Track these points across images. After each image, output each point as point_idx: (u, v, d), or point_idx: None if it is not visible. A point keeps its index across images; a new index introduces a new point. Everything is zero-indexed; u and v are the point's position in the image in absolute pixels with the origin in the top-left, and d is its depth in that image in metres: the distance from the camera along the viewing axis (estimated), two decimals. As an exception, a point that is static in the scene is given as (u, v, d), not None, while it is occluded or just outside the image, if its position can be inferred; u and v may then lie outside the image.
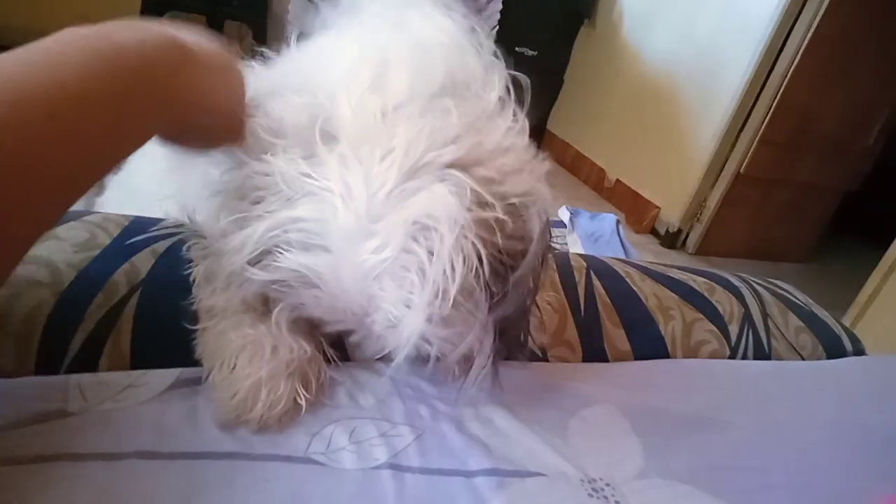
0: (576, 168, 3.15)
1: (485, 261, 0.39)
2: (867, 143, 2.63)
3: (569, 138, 3.24)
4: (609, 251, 1.52)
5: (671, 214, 2.59)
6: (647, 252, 2.45)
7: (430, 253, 0.37)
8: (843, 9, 2.20)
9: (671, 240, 2.57)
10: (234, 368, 0.42)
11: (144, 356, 0.46)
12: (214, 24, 2.74)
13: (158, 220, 0.56)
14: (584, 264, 0.68)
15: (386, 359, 0.42)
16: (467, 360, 0.43)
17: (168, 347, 0.46)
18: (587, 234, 1.54)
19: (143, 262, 0.50)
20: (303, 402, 0.43)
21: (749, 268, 2.56)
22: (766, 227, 2.68)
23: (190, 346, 0.45)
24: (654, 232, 2.64)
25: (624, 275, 0.69)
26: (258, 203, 0.40)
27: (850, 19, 2.24)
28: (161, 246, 0.51)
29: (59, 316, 0.44)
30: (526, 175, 0.42)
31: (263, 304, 0.44)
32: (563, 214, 1.62)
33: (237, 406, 0.41)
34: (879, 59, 2.40)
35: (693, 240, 2.58)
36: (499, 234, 0.40)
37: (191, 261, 0.48)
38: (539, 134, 3.33)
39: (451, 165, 0.39)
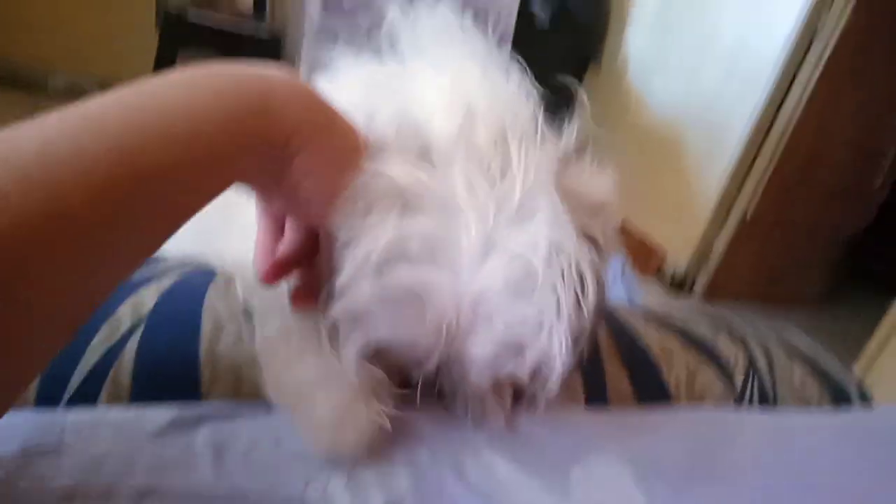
0: (582, 209, 3.17)
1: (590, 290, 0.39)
2: (873, 186, 2.64)
3: (575, 180, 3.27)
4: (615, 292, 1.52)
5: (678, 258, 2.59)
6: (654, 296, 2.44)
7: (561, 275, 0.37)
8: (846, 55, 2.24)
9: (678, 284, 2.56)
10: (312, 401, 0.41)
11: (145, 391, 0.46)
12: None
13: (162, 258, 0.57)
14: (588, 307, 0.68)
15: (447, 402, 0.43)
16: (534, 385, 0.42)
17: (170, 383, 0.46)
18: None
19: (148, 296, 0.50)
20: (387, 424, 0.41)
21: (759, 312, 2.55)
22: (773, 271, 2.67)
23: (191, 381, 0.45)
24: (660, 276, 2.64)
25: (627, 318, 0.69)
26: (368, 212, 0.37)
27: (853, 65, 2.28)
28: (166, 282, 0.52)
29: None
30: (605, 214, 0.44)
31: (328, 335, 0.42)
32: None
33: (329, 437, 0.40)
34: (882, 104, 2.43)
35: (700, 284, 2.57)
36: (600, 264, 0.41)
37: (196, 295, 0.48)
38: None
39: (562, 191, 0.39)
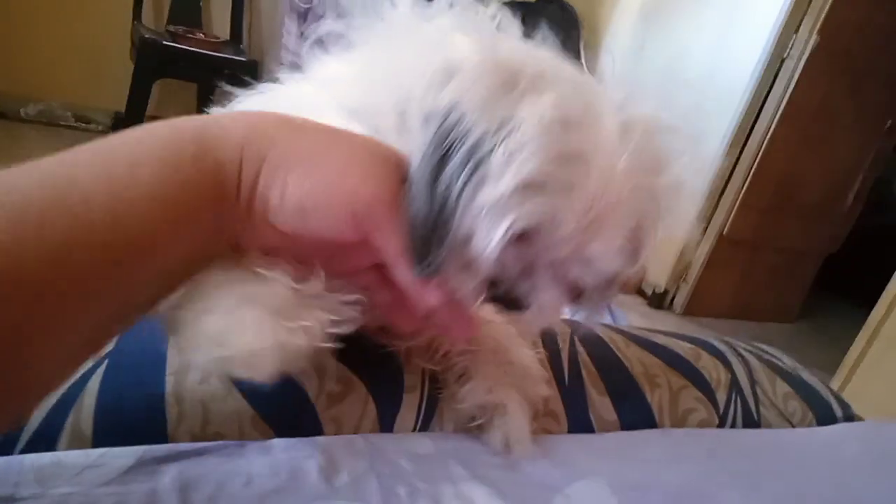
0: (561, 230, 3.19)
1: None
2: (844, 206, 2.70)
3: (554, 201, 3.29)
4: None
5: (657, 275, 2.61)
6: (635, 313, 2.45)
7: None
8: (813, 80, 2.31)
9: (658, 300, 2.58)
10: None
11: (108, 432, 0.43)
12: (205, 91, 2.80)
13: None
14: (568, 330, 0.67)
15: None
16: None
17: (134, 423, 0.44)
18: (573, 296, 1.54)
19: (112, 332, 0.48)
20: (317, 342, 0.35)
21: (736, 328, 2.57)
22: (751, 288, 2.71)
23: (157, 420, 0.43)
24: (640, 292, 2.65)
25: (609, 341, 0.68)
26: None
27: (820, 89, 2.35)
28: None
29: (18, 390, 0.42)
30: None
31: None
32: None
33: (214, 337, 0.33)
34: (851, 126, 2.50)
35: (680, 300, 2.59)
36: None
37: (161, 329, 0.46)
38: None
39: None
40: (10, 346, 0.24)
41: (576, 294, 0.42)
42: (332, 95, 0.44)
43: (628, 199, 0.37)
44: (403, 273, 0.37)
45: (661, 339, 0.72)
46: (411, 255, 0.37)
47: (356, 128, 0.39)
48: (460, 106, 0.35)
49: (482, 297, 0.39)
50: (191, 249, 0.32)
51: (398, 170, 0.36)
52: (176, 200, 0.29)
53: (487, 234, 0.36)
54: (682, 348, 0.71)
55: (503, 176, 0.35)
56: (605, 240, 0.38)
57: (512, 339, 0.52)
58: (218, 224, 0.32)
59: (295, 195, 0.33)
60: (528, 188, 0.35)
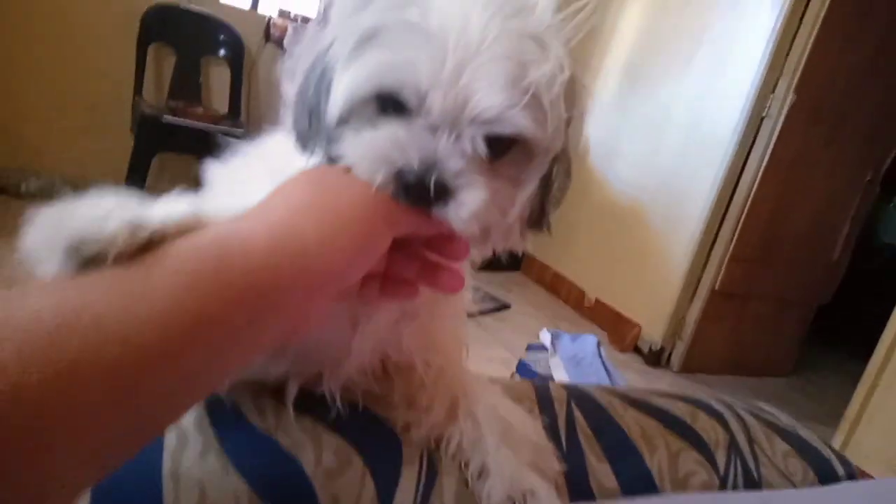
0: (556, 288, 3.20)
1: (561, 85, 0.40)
2: (833, 256, 2.74)
3: (548, 260, 3.32)
4: (592, 373, 1.51)
5: (653, 332, 2.60)
6: (632, 371, 2.44)
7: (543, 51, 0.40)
8: (792, 135, 2.40)
9: (654, 358, 2.57)
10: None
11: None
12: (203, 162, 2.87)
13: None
14: (565, 394, 0.67)
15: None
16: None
17: (129, 502, 0.43)
18: (569, 356, 1.54)
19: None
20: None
21: (733, 384, 2.56)
22: (745, 342, 2.70)
23: (153, 499, 0.43)
24: (637, 350, 2.64)
25: (606, 404, 0.68)
26: None
27: (800, 143, 2.43)
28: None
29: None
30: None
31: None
32: (545, 337, 1.63)
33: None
34: (832, 177, 2.58)
35: (676, 357, 2.58)
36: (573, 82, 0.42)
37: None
38: (517, 256, 3.42)
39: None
40: (11, 462, 0.25)
41: (489, 168, 0.41)
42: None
43: (495, 41, 0.38)
44: (432, 226, 0.40)
45: (658, 401, 0.72)
46: (301, 148, 0.43)
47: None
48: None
49: (392, 188, 0.39)
50: (218, 354, 0.32)
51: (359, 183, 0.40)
52: (195, 313, 0.30)
53: (337, 90, 0.40)
54: (679, 409, 0.71)
55: (344, 40, 0.39)
56: (486, 86, 0.38)
57: (514, 413, 0.53)
58: (258, 323, 0.33)
59: (342, 256, 0.36)
60: (369, 39, 0.39)
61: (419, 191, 0.38)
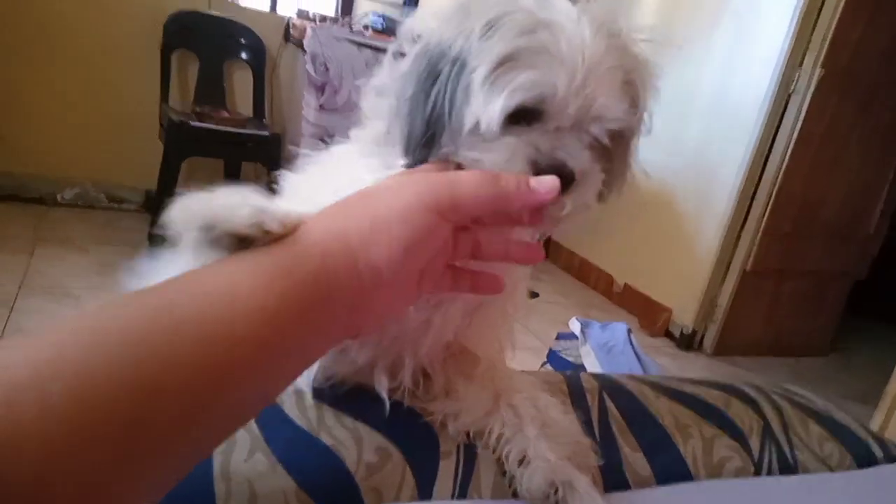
0: (584, 275, 3.19)
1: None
2: (869, 228, 2.67)
3: (574, 247, 3.31)
4: (623, 361, 1.51)
5: (684, 315, 2.58)
6: (665, 356, 2.42)
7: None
8: (822, 108, 2.34)
9: (687, 341, 2.54)
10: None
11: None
12: (232, 166, 2.92)
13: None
14: (597, 385, 0.68)
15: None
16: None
17: (182, 501, 0.46)
18: (600, 344, 1.54)
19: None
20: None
21: (770, 365, 2.52)
22: (781, 321, 2.66)
23: (205, 498, 0.45)
24: (668, 334, 2.62)
25: (638, 393, 0.69)
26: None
27: (830, 115, 2.37)
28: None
29: None
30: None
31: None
32: (574, 326, 1.63)
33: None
34: (868, 148, 2.51)
35: (709, 340, 2.55)
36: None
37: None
38: (545, 244, 3.41)
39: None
40: (100, 480, 0.26)
41: (604, 154, 0.51)
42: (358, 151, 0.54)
43: (606, 55, 0.47)
44: (505, 184, 0.43)
45: (690, 388, 0.73)
46: (411, 158, 0.48)
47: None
48: (436, 37, 0.48)
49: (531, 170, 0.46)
50: (300, 346, 0.36)
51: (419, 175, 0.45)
52: (277, 310, 0.33)
53: (487, 109, 0.45)
54: (712, 396, 0.72)
55: (482, 62, 0.45)
56: (605, 91, 0.47)
57: (550, 406, 0.54)
58: (326, 319, 0.37)
59: (386, 251, 0.38)
60: (507, 62, 0.45)
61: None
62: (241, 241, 0.36)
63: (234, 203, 0.36)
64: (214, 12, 2.82)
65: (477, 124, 0.46)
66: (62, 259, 2.23)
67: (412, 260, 0.40)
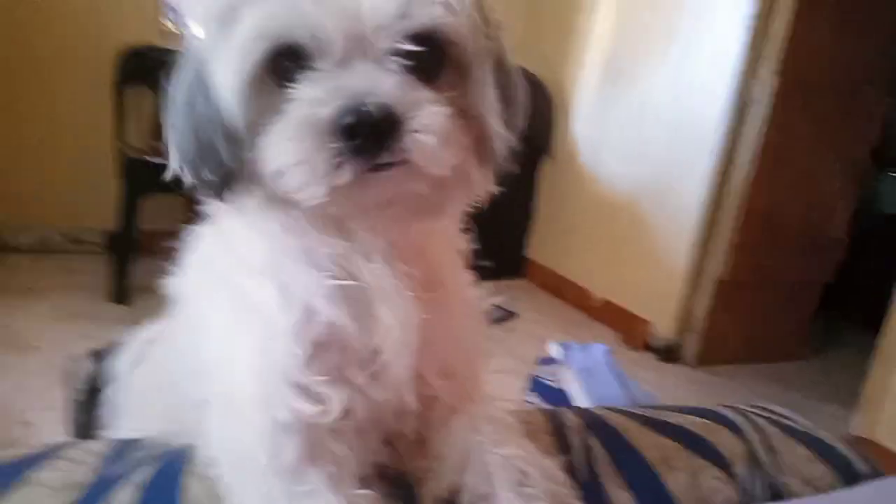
0: (560, 291, 3.19)
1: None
2: (837, 234, 2.73)
3: (549, 263, 3.31)
4: (604, 383, 1.51)
5: (663, 327, 2.59)
6: (647, 369, 2.42)
7: None
8: (781, 117, 2.39)
9: (668, 354, 2.55)
10: None
11: None
12: (193, 200, 2.85)
13: (139, 441, 0.54)
14: (580, 422, 0.67)
15: None
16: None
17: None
18: (581, 367, 1.53)
19: (124, 497, 0.48)
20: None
21: (752, 373, 2.54)
22: (757, 328, 2.69)
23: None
24: (650, 347, 2.63)
25: (622, 429, 0.67)
26: None
27: (792, 123, 2.42)
28: (140, 476, 0.50)
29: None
30: None
31: None
32: (554, 350, 1.62)
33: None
34: (828, 153, 2.56)
35: (690, 351, 2.57)
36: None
37: (173, 488, 0.46)
38: (519, 262, 3.42)
39: None
40: None
41: (442, 86, 0.40)
42: None
43: None
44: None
45: (672, 418, 0.71)
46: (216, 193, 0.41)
47: None
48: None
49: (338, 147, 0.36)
50: None
51: None
52: None
53: (230, 72, 0.38)
54: (695, 425, 0.71)
55: (204, 30, 0.39)
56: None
57: (530, 459, 0.51)
58: None
59: None
60: (231, 12, 0.37)
61: (369, 133, 0.35)
62: None
63: None
64: (167, 45, 2.77)
65: (235, 113, 0.38)
66: (23, 309, 2.15)
67: None
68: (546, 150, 3.31)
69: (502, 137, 0.44)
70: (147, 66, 2.70)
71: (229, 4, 0.37)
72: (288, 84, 0.37)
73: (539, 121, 3.18)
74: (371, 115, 0.35)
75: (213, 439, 0.47)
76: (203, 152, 0.41)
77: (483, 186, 0.46)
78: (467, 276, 0.55)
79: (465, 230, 0.54)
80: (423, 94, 0.37)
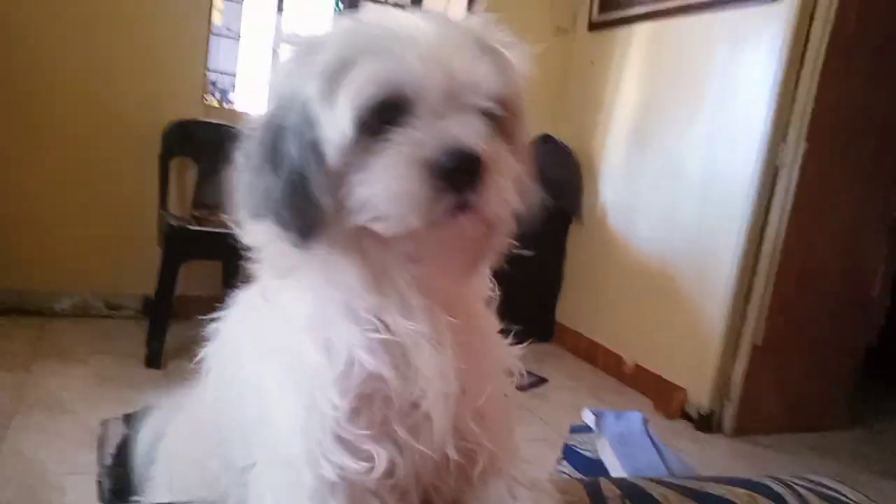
0: (592, 357, 3.12)
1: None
2: (872, 291, 2.64)
3: (580, 328, 3.26)
4: (641, 453, 1.45)
5: (699, 395, 2.50)
6: (683, 439, 2.32)
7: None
8: (814, 178, 2.37)
9: (705, 423, 2.45)
10: None
11: None
12: (230, 268, 2.93)
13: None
14: (619, 493, 0.65)
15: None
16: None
17: None
18: (615, 436, 1.48)
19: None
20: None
21: (794, 443, 2.42)
22: (798, 396, 2.58)
23: None
24: (685, 415, 2.53)
25: (661, 499, 0.65)
26: None
27: (823, 184, 2.40)
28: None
29: None
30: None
31: None
32: (588, 417, 1.58)
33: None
34: (862, 212, 2.52)
35: (728, 420, 2.46)
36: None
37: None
38: (548, 326, 3.37)
39: None
40: None
41: (496, 125, 0.45)
42: None
43: (447, 28, 0.44)
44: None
45: (715, 489, 0.69)
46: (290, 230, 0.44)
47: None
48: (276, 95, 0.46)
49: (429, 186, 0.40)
50: None
51: None
52: None
53: (335, 121, 0.41)
54: (737, 495, 0.68)
55: (310, 85, 0.43)
56: (463, 56, 0.43)
57: None
58: None
59: None
60: (340, 69, 0.42)
61: (463, 174, 0.40)
62: None
63: None
64: (211, 119, 2.92)
65: (341, 152, 0.42)
66: (60, 373, 2.19)
67: None
68: (575, 215, 3.33)
69: (535, 195, 0.50)
70: (191, 139, 2.85)
71: (343, 59, 0.43)
72: (389, 128, 0.42)
73: (568, 186, 3.23)
74: (468, 158, 0.40)
75: (264, 502, 0.47)
76: (293, 198, 0.44)
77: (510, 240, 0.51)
78: (496, 322, 0.57)
79: (493, 289, 0.56)
80: (503, 146, 0.44)
